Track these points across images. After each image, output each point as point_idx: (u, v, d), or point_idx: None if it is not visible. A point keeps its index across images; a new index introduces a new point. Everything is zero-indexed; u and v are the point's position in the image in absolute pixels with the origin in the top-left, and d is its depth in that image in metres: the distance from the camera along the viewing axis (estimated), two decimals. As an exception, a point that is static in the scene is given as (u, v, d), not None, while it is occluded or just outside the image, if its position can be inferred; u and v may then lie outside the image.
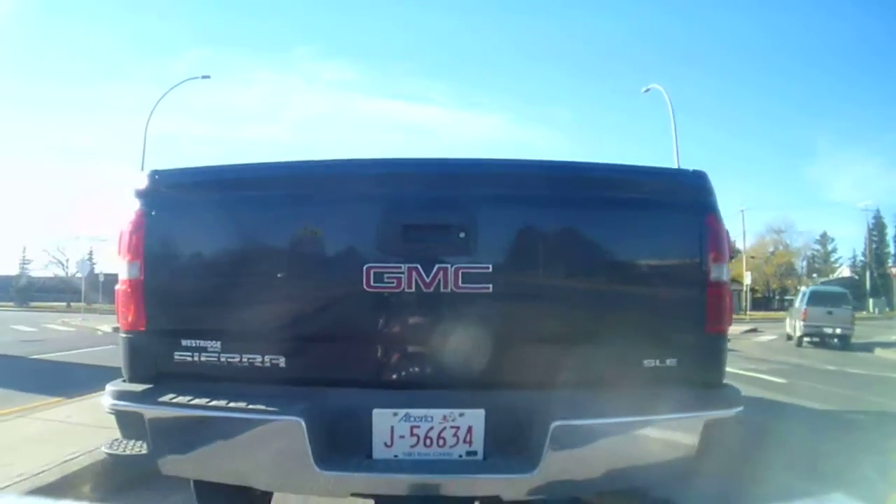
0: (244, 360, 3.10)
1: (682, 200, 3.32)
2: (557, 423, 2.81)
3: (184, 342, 3.14)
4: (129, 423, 3.12)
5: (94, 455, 5.17)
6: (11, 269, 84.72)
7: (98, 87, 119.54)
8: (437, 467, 2.96)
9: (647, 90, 34.50)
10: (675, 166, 29.99)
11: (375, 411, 3.00)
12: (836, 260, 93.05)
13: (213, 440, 2.98)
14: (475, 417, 2.99)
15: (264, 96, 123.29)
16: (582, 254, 3.30)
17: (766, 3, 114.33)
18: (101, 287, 55.50)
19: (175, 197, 3.33)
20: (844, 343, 23.57)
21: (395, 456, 3.00)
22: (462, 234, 3.05)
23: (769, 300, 79.70)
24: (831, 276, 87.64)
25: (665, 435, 3.00)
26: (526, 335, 3.17)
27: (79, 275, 78.91)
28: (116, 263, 3.29)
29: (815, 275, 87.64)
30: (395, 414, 3.00)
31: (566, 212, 3.30)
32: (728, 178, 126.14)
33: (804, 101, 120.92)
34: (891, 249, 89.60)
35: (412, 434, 2.99)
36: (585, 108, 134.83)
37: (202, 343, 3.12)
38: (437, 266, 2.97)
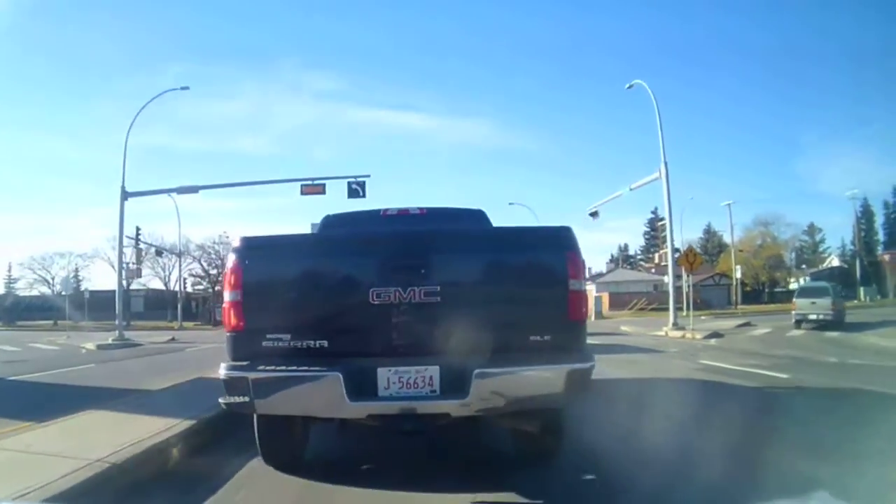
0: (303, 344, 5.27)
1: (555, 244, 5.54)
2: (477, 371, 4.91)
3: (267, 336, 5.29)
4: (236, 385, 5.13)
5: (46, 490, 4.73)
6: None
7: (82, 103, 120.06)
8: (413, 398, 5.09)
9: (631, 86, 35.14)
10: (662, 159, 30.00)
11: (379, 369, 5.11)
12: (825, 250, 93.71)
13: (290, 389, 5.11)
14: (434, 371, 5.12)
15: (250, 108, 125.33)
16: (494, 277, 5.50)
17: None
18: (87, 304, 55.23)
19: (256, 251, 5.57)
20: (831, 325, 28.79)
21: (390, 394, 5.11)
22: (423, 271, 5.28)
23: (759, 293, 79.19)
24: (821, 267, 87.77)
25: (542, 378, 5.10)
26: (461, 324, 5.11)
27: (63, 293, 78.84)
28: (224, 292, 5.58)
29: (804, 266, 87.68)
30: (389, 370, 5.12)
31: (484, 254, 5.60)
32: (715, 172, 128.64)
33: (788, 94, 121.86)
34: (879, 237, 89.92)
35: (399, 381, 5.12)
36: (571, 108, 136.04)
37: (277, 336, 5.29)
38: (409, 287, 5.20)
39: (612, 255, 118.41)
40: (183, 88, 35.62)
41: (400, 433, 6.00)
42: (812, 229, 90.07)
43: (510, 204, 69.56)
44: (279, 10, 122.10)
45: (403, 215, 8.39)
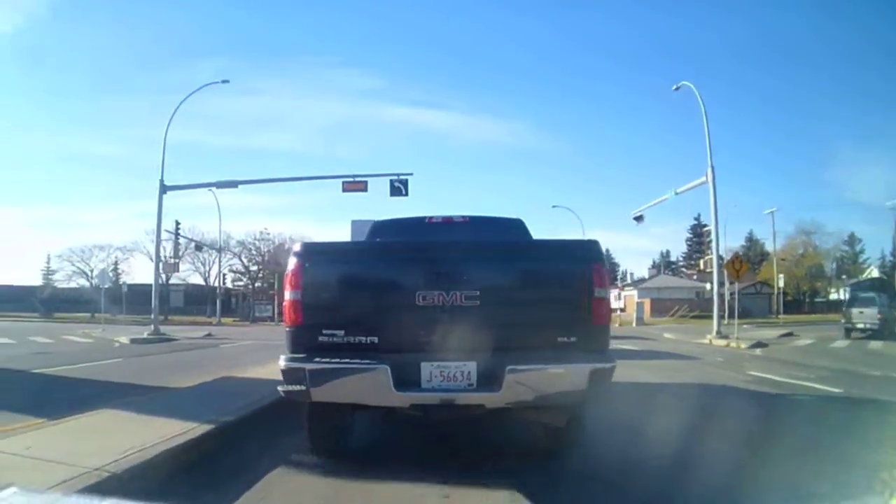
0: (354, 339, 5.66)
1: (582, 256, 5.96)
2: (509, 367, 5.34)
3: (323, 331, 5.67)
4: (294, 375, 5.59)
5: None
6: (36, 280, 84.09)
7: (118, 98, 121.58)
8: (452, 390, 5.53)
9: (678, 88, 34.23)
10: (709, 163, 29.10)
11: (422, 364, 5.54)
12: (865, 260, 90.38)
13: (342, 379, 5.54)
14: (471, 366, 5.52)
15: (282, 105, 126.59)
16: (527, 283, 5.94)
17: (765, 5, 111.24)
18: (125, 298, 55.13)
19: (315, 256, 6.05)
20: (877, 335, 28.86)
21: (432, 386, 5.53)
22: (464, 277, 5.67)
23: (800, 303, 77.44)
24: (861, 278, 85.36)
25: (567, 375, 5.51)
26: (497, 326, 5.53)
27: (101, 286, 79.06)
28: (284, 291, 6.00)
29: (844, 276, 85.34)
30: (432, 364, 5.55)
31: (519, 264, 6.11)
32: (755, 178, 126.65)
33: (825, 102, 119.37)
34: None
35: (440, 375, 5.54)
36: (604, 112, 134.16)
37: (333, 331, 5.68)
38: (451, 291, 5.59)
39: (654, 261, 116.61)
40: (223, 82, 35.25)
41: (437, 426, 7.14)
42: (852, 239, 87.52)
43: (553, 207, 69.43)
44: (313, 8, 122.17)
45: (447, 223, 8.79)
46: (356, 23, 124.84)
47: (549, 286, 6.00)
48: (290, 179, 37.01)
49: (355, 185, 32.57)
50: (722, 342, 27.85)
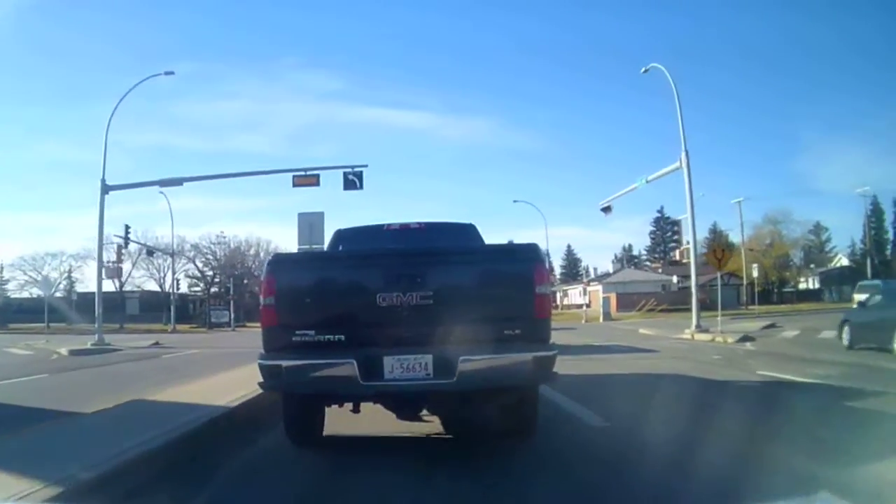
0: (324, 338, 6.15)
1: (524, 257, 6.60)
2: (462, 357, 5.83)
3: (296, 332, 6.15)
4: (271, 370, 6.11)
5: None
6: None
7: (83, 102, 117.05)
8: (412, 380, 6.01)
9: (647, 70, 32.80)
10: (683, 147, 27.41)
11: (385, 357, 5.98)
12: (831, 249, 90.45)
13: (315, 373, 6.06)
14: (428, 358, 6.01)
15: (252, 107, 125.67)
16: (476, 283, 6.51)
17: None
18: (77, 307, 52.50)
19: (286, 266, 6.88)
20: None
21: (394, 377, 5.99)
22: (419, 279, 6.20)
23: (769, 293, 76.22)
24: (829, 266, 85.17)
25: (514, 361, 6.08)
26: (450, 321, 6.00)
27: (56, 294, 75.97)
28: (260, 297, 6.47)
29: (812, 265, 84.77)
30: (393, 358, 5.99)
31: (468, 266, 6.70)
32: (716, 171, 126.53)
33: (789, 91, 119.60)
34: (889, 235, 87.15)
35: (401, 367, 6.00)
36: (574, 106, 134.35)
37: (304, 331, 6.14)
38: (408, 292, 6.10)
39: (616, 255, 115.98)
40: (167, 73, 33.46)
41: (405, 415, 7.87)
42: (818, 228, 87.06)
43: (514, 202, 68.36)
44: (279, 10, 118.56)
45: (405, 230, 9.43)
46: (318, 23, 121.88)
47: (495, 285, 6.48)
48: (237, 175, 34.69)
49: (306, 179, 30.80)
50: (705, 336, 26.23)
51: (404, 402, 6.91)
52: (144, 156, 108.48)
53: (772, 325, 32.32)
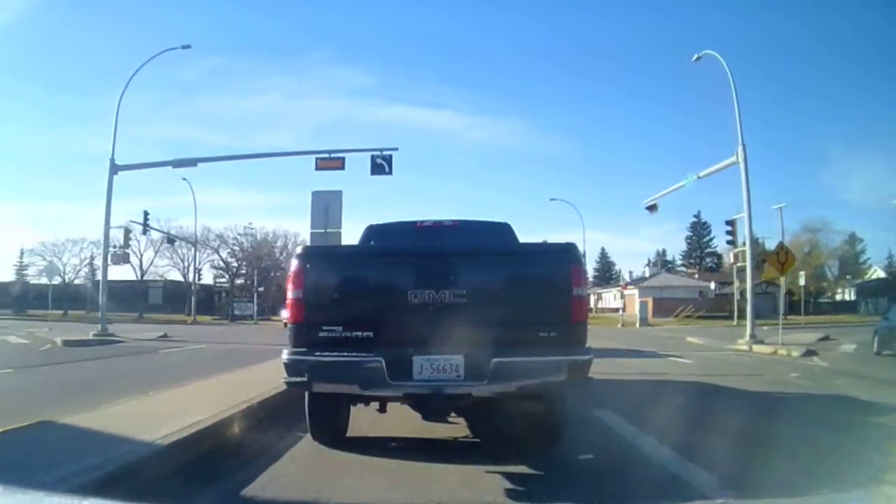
0: (353, 335, 5.91)
1: (561, 258, 6.26)
2: (495, 360, 5.63)
3: (323, 327, 5.93)
4: (296, 366, 5.86)
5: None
6: (9, 276, 78.61)
7: (110, 95, 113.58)
8: (442, 381, 5.77)
9: (699, 58, 29.91)
10: (740, 141, 24.66)
11: (414, 357, 5.77)
12: (865, 261, 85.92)
13: (341, 371, 5.86)
14: (459, 359, 5.77)
15: (279, 103, 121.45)
16: (510, 283, 6.17)
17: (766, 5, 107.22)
18: (95, 294, 50.21)
19: (316, 258, 6.44)
20: None
21: (423, 377, 5.77)
22: (452, 277, 5.94)
23: (805, 304, 72.31)
24: (865, 278, 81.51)
25: (549, 365, 5.80)
26: (483, 322, 5.81)
27: (77, 281, 73.94)
28: (288, 291, 6.21)
29: (848, 276, 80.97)
30: (423, 358, 5.78)
31: (503, 265, 6.40)
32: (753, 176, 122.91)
33: (812, 103, 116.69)
34: None
35: (431, 367, 5.77)
36: (599, 112, 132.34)
37: (332, 327, 5.89)
38: (441, 290, 5.85)
39: (650, 260, 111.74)
40: (184, 47, 30.62)
41: (431, 416, 7.87)
42: (853, 239, 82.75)
43: (551, 200, 65.91)
44: (309, 5, 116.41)
45: (437, 227, 9.27)
46: (350, 20, 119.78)
47: (530, 286, 6.21)
48: (256, 156, 32.34)
49: (331, 162, 27.66)
50: (765, 349, 23.00)
51: (433, 404, 6.58)
52: (171, 150, 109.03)
53: (826, 338, 28.89)
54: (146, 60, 30.22)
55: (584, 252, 64.26)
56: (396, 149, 27.98)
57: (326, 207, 16.19)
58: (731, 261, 31.84)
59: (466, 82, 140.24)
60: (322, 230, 16.03)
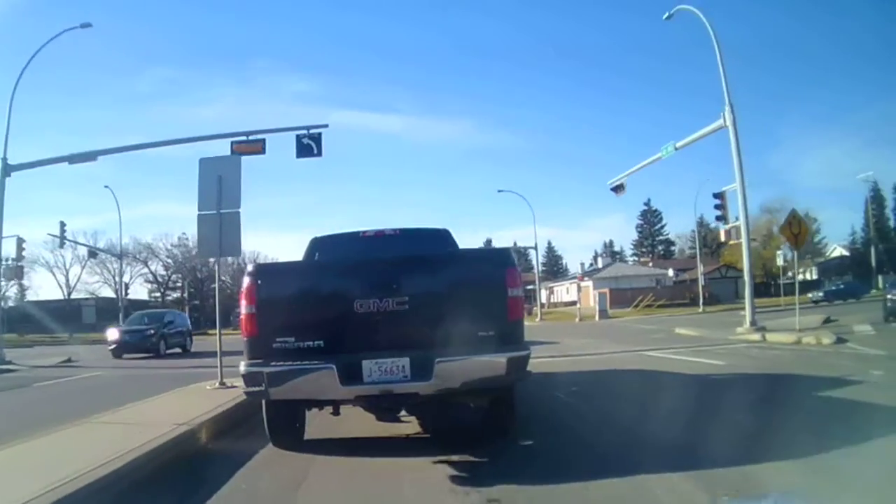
0: (304, 344, 6.20)
1: (496, 262, 6.79)
2: (438, 359, 5.95)
3: (276, 339, 6.22)
4: (253, 377, 6.13)
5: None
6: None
7: (51, 110, 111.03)
8: (390, 382, 6.09)
9: (670, 16, 27.05)
10: (726, 101, 22.60)
11: (363, 361, 6.11)
12: (821, 240, 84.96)
13: (296, 379, 6.08)
14: (405, 361, 6.13)
15: (226, 111, 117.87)
16: (450, 288, 6.47)
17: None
18: (7, 318, 45.06)
19: (266, 274, 6.69)
20: None
21: (373, 379, 6.12)
22: (394, 285, 6.27)
23: (768, 286, 69.43)
24: (828, 257, 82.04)
25: (489, 363, 6.09)
26: (426, 325, 6.19)
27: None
28: (240, 305, 6.54)
29: (808, 256, 78.31)
30: (372, 362, 6.12)
31: (442, 272, 6.65)
32: (695, 164, 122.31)
33: (768, 87, 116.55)
34: (892, 222, 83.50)
35: (379, 370, 6.11)
36: (549, 106, 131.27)
37: (285, 339, 6.20)
38: (385, 298, 6.17)
39: (597, 252, 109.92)
40: (84, 26, 26.97)
41: (384, 416, 8.22)
42: (808, 219, 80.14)
43: (499, 191, 62.49)
44: (252, 12, 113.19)
45: (380, 236, 9.33)
46: (293, 27, 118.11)
47: (468, 289, 6.49)
48: (163, 143, 27.62)
49: (249, 146, 23.68)
50: (782, 337, 19.52)
51: (383, 404, 6.93)
52: (122, 162, 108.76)
53: (828, 320, 25.56)
54: (40, 47, 27.05)
55: (536, 244, 60.74)
56: (326, 125, 24.45)
57: (220, 180, 11.21)
58: (723, 238, 27.52)
59: (412, 84, 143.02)
60: (214, 211, 11.07)
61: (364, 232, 9.59)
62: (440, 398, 6.54)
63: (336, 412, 7.30)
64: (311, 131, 23.58)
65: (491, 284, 6.42)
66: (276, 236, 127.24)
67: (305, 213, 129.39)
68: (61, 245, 43.03)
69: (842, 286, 56.86)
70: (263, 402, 6.69)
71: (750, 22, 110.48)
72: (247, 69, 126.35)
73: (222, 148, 22.62)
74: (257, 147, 23.63)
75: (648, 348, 19.35)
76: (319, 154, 23.74)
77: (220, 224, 11.28)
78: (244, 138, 23.73)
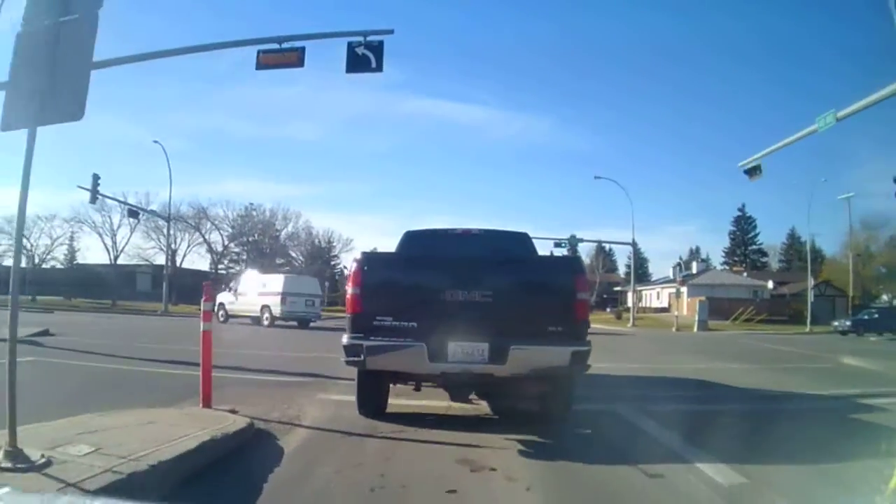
0: (399, 324, 6.99)
1: (568, 268, 7.79)
2: (513, 347, 6.72)
3: (377, 317, 7.05)
4: (353, 349, 6.95)
5: None
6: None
7: (142, 82, 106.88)
8: (470, 363, 6.81)
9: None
10: None
11: (449, 343, 6.90)
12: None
13: (391, 353, 6.90)
14: (485, 346, 6.85)
15: (308, 94, 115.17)
16: (527, 287, 7.28)
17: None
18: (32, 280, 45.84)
19: (370, 262, 7.42)
20: None
21: (456, 359, 6.89)
22: (480, 280, 7.05)
23: (865, 308, 60.70)
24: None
25: (556, 353, 6.83)
26: (505, 317, 7.00)
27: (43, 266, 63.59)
28: (347, 287, 7.33)
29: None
30: (456, 344, 6.88)
31: (520, 273, 7.52)
32: (790, 168, 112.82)
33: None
34: None
35: (462, 352, 6.87)
36: (629, 108, 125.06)
37: (383, 318, 7.00)
38: (471, 290, 6.97)
39: (681, 258, 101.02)
40: None
41: (457, 397, 8.01)
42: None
43: (596, 178, 57.03)
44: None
45: (466, 234, 9.90)
46: (380, 13, 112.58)
47: (543, 290, 7.42)
48: (178, 52, 19.68)
49: (279, 57, 16.82)
50: None
51: (462, 380, 7.37)
52: (200, 139, 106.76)
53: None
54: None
55: (633, 241, 54.24)
56: (391, 31, 17.10)
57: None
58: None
59: (496, 76, 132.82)
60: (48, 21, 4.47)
61: (452, 230, 10.44)
62: (510, 381, 7.44)
63: (417, 388, 8.41)
64: (369, 38, 16.41)
65: (562, 288, 7.36)
66: (350, 217, 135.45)
67: (384, 195, 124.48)
68: (92, 201, 37.45)
69: (875, 315, 45.15)
70: (357, 372, 7.72)
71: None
72: (331, 52, 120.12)
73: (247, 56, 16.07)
74: (292, 57, 16.76)
75: (859, 393, 10.56)
76: (379, 69, 16.70)
77: (55, 48, 4.68)
78: (276, 45, 16.81)
